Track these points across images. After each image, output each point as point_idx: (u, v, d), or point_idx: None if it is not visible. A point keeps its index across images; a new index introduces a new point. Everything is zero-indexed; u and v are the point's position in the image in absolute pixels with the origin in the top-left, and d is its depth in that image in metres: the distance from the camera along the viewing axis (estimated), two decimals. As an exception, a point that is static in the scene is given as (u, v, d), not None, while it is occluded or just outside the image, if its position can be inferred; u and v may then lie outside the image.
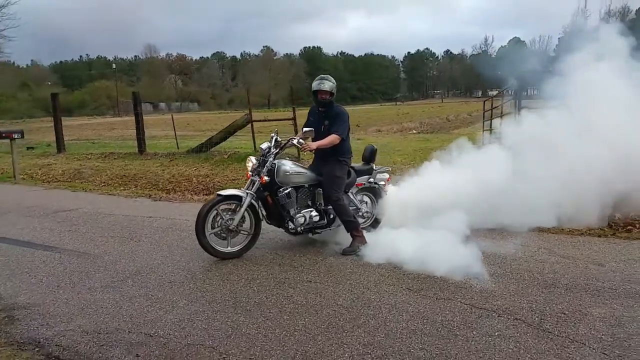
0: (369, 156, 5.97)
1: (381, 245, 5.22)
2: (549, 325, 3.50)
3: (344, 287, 4.34)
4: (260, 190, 5.25)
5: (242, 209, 5.13)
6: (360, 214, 5.85)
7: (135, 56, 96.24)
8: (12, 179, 11.75)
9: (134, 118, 13.76)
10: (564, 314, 3.68)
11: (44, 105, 68.74)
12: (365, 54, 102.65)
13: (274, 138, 5.36)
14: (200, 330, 3.65)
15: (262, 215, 5.31)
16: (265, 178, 5.16)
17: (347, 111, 5.52)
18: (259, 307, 4.00)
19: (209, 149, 12.74)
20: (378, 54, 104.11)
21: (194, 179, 10.86)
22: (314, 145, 5.25)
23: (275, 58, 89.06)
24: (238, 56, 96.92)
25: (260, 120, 12.50)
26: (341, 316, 3.78)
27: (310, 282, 4.50)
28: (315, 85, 5.34)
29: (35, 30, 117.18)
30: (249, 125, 12.25)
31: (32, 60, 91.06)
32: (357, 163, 5.91)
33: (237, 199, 5.16)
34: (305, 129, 5.35)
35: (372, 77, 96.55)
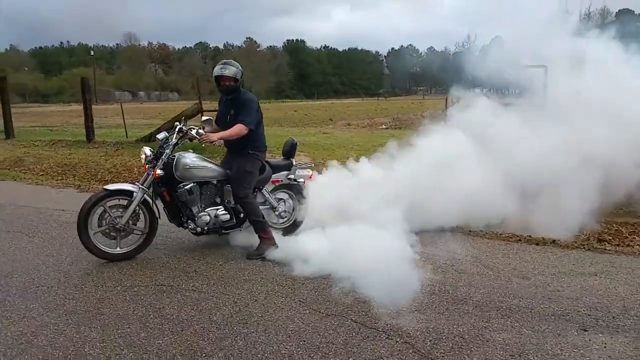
0: (289, 150, 5.41)
1: (293, 249, 4.69)
2: (440, 353, 2.99)
3: (228, 299, 3.79)
4: (157, 185, 4.69)
5: (132, 206, 4.55)
6: (277, 213, 5.30)
7: (117, 44, 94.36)
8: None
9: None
10: (463, 338, 3.17)
11: (20, 90, 67.26)
12: (349, 49, 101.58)
13: (178, 127, 4.78)
14: (37, 348, 3.09)
15: (158, 213, 4.72)
16: (159, 172, 4.58)
17: (256, 98, 4.94)
18: (120, 322, 3.43)
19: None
20: (362, 49, 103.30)
21: (136, 169, 10.22)
22: (215, 136, 4.67)
23: (258, 50, 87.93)
24: (221, 47, 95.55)
25: (210, 111, 11.86)
26: (207, 335, 3.23)
27: (193, 292, 3.94)
28: (217, 70, 4.75)
29: (15, 16, 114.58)
30: (200, 115, 11.62)
31: (11, 45, 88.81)
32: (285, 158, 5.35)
33: (128, 194, 4.58)
34: (203, 118, 4.79)
35: (355, 72, 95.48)
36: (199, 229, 4.78)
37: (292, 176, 5.36)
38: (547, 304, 3.70)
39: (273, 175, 5.23)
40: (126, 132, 14.43)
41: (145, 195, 4.60)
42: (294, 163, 5.40)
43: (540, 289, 3.98)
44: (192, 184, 4.75)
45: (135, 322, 3.43)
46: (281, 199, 5.37)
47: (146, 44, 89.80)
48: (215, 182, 4.93)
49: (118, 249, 4.64)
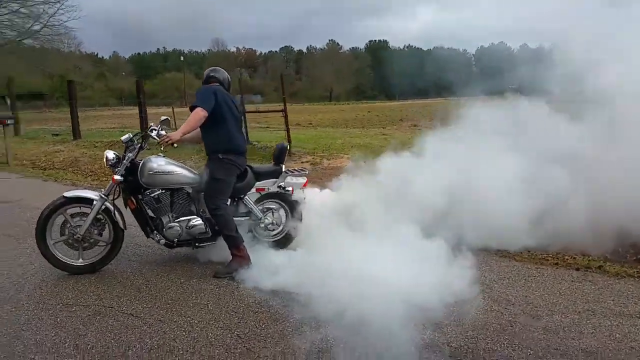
0: (278, 156, 4.81)
1: (271, 269, 4.09)
2: None
3: (160, 328, 3.26)
4: (124, 191, 4.29)
5: (91, 215, 4.18)
6: (263, 225, 4.71)
7: (208, 50, 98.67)
8: (6, 164, 11.54)
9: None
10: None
11: (117, 94, 72.55)
12: (435, 47, 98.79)
13: (151, 129, 4.35)
14: None
15: (122, 223, 4.31)
16: (117, 177, 4.17)
17: (217, 87, 4.38)
18: (28, 349, 3.02)
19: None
20: (448, 47, 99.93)
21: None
22: (176, 134, 4.14)
23: (340, 52, 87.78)
24: (304, 50, 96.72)
25: (251, 112, 11.56)
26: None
27: (130, 316, 3.46)
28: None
29: (118, 25, 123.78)
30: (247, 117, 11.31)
31: (114, 52, 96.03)
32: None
33: (88, 202, 4.22)
34: (162, 118, 4.32)
35: (440, 71, 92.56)
36: (164, 241, 4.32)
37: (281, 184, 4.75)
38: (549, 362, 2.80)
39: (258, 183, 4.65)
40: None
41: (107, 204, 4.22)
42: (284, 169, 4.78)
43: (548, 337, 3.06)
44: (160, 192, 4.30)
45: (46, 350, 3.00)
46: (269, 209, 4.78)
47: (234, 49, 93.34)
48: (189, 189, 4.44)
49: (80, 260, 4.29)
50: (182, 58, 77.22)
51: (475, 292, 3.62)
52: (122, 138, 4.33)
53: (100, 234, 4.34)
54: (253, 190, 4.65)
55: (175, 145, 4.17)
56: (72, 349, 3.02)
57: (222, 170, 4.30)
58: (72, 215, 4.23)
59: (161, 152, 4.49)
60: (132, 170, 4.27)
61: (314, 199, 5.08)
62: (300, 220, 4.79)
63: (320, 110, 38.63)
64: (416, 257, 3.97)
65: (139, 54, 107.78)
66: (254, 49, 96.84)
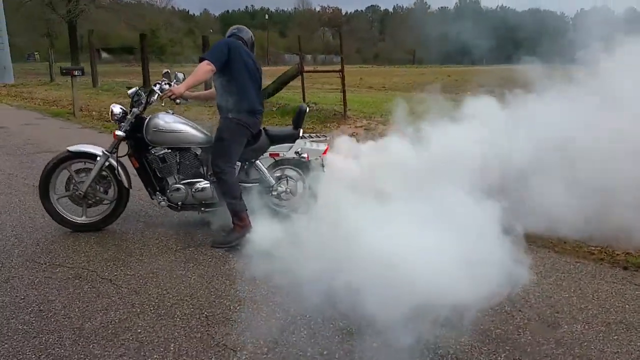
0: (296, 118, 4.36)
1: (273, 244, 3.70)
2: None
3: (129, 301, 3.02)
4: (133, 148, 4.07)
5: (93, 172, 4.01)
6: (275, 194, 4.33)
7: (295, 8, 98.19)
8: (71, 115, 11.96)
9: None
10: None
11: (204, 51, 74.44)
12: (530, 9, 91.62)
13: (155, 83, 4.06)
14: None
15: (127, 182, 4.10)
16: (118, 133, 3.93)
17: (232, 40, 3.99)
18: (-7, 310, 2.89)
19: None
20: (545, 10, 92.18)
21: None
22: (180, 88, 3.78)
23: (428, 11, 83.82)
24: (391, 9, 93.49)
25: (309, 71, 11.08)
26: (62, 340, 2.51)
27: (109, 283, 3.25)
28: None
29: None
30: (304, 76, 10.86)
31: (204, 10, 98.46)
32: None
33: (92, 157, 4.03)
34: (164, 71, 3.99)
35: (535, 35, 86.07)
36: (166, 203, 4.08)
37: (299, 150, 4.32)
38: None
39: (271, 148, 4.26)
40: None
41: (110, 160, 4.01)
42: (301, 134, 4.33)
43: (559, 352, 2.46)
44: (165, 151, 4.04)
45: (7, 314, 2.85)
46: (285, 176, 4.37)
47: (320, 8, 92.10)
48: (198, 149, 4.14)
49: (84, 217, 4.16)
50: (266, 17, 77.36)
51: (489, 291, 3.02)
52: (129, 92, 4.07)
53: (106, 192, 4.18)
54: (267, 155, 4.27)
55: (178, 101, 3.84)
56: (33, 314, 2.84)
57: (230, 131, 3.94)
58: (77, 171, 4.09)
59: (170, 109, 4.21)
60: (139, 127, 4.02)
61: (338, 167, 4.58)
62: (316, 195, 4.35)
63: (398, 73, 37.19)
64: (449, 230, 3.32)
65: (227, 11, 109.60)
66: (339, 7, 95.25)
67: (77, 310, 2.89)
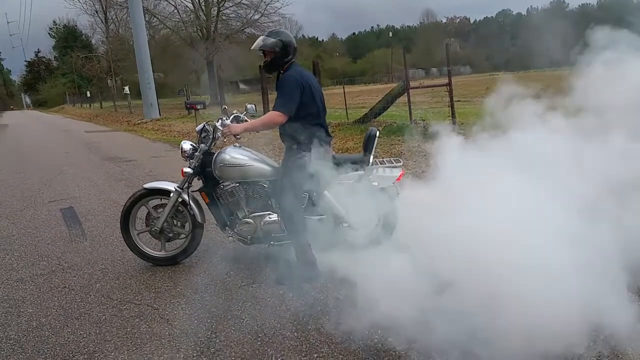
0: (366, 143, 4.06)
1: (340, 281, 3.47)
2: None
3: (172, 345, 2.95)
4: (204, 183, 4.12)
5: (167, 208, 4.10)
6: (347, 225, 4.06)
7: (420, 22, 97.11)
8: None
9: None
10: None
11: (331, 75, 76.71)
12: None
13: (218, 118, 4.05)
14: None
15: (200, 216, 4.13)
16: (186, 170, 3.98)
17: (297, 74, 3.74)
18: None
19: (370, 119, 11.54)
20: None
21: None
22: (238, 128, 3.74)
23: (566, 10, 77.26)
24: (524, 12, 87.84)
25: (415, 87, 10.59)
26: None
27: (161, 322, 3.24)
28: (255, 44, 3.83)
29: (337, 6, 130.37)
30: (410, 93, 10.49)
31: (332, 34, 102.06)
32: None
33: (166, 193, 4.14)
34: (223, 107, 3.93)
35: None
36: (236, 238, 4.02)
37: (372, 177, 4.01)
38: None
39: (341, 177, 4.00)
40: (347, 113, 14.25)
41: (183, 196, 4.08)
42: (372, 160, 4.02)
43: None
44: (233, 185, 4.00)
45: (68, 350, 2.96)
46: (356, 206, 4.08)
47: (446, 19, 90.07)
48: (265, 182, 4.04)
49: (163, 252, 4.28)
50: (390, 34, 77.57)
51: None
52: (197, 128, 4.12)
53: (183, 226, 4.26)
54: (336, 184, 4.03)
55: (238, 137, 3.79)
56: (86, 356, 2.90)
57: (293, 163, 3.78)
58: (155, 207, 4.22)
59: (237, 143, 4.18)
60: (209, 162, 4.05)
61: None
62: (394, 226, 4.02)
63: (531, 77, 34.52)
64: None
65: (354, 34, 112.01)
66: (467, 16, 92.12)
67: (125, 352, 2.90)
